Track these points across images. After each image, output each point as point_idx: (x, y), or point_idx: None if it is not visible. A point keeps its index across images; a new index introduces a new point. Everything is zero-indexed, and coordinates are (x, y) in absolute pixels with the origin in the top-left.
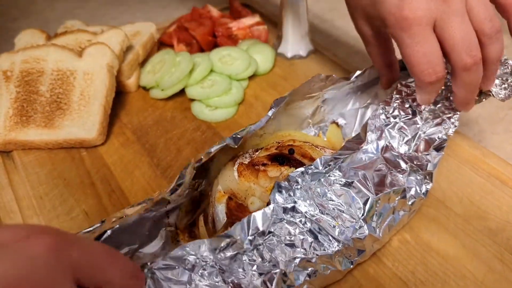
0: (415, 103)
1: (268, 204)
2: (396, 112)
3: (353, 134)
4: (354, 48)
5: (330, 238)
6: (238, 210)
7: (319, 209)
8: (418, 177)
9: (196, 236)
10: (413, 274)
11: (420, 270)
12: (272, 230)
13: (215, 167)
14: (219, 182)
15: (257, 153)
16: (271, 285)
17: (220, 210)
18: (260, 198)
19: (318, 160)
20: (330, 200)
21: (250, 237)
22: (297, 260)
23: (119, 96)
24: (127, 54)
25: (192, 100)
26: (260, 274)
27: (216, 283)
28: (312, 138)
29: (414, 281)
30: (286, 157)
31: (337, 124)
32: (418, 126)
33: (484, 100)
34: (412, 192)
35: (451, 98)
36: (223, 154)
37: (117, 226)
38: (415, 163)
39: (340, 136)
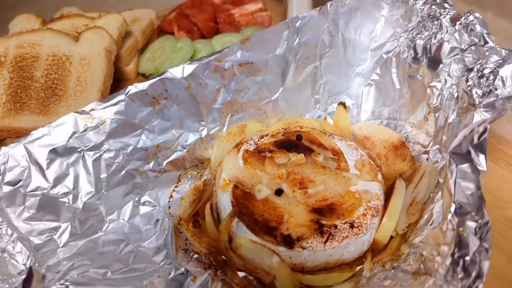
0: None
1: (276, 192)
2: None
3: (361, 115)
4: None
5: None
6: (244, 199)
7: None
8: None
9: (201, 226)
10: None
11: None
12: None
13: (221, 154)
14: (223, 170)
15: (262, 139)
16: None
17: (225, 199)
18: (268, 186)
19: None
20: None
21: None
22: None
23: (118, 83)
24: (126, 40)
25: None
26: None
27: None
28: (320, 122)
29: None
30: (294, 143)
31: (344, 105)
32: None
33: None
34: None
35: None
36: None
37: None
38: None
39: (347, 119)
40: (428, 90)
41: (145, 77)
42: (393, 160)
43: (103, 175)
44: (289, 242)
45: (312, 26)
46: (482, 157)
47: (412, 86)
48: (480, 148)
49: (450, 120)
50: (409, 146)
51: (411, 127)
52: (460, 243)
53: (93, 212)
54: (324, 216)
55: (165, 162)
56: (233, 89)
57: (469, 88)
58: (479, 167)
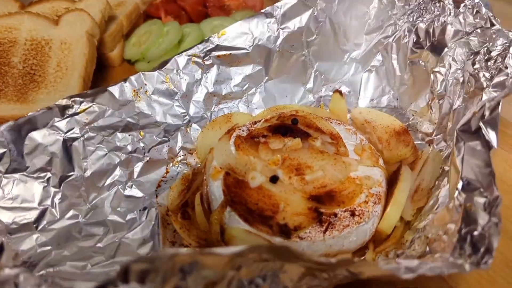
0: None
1: (271, 179)
2: None
3: (359, 102)
4: None
5: None
6: (237, 187)
7: None
8: None
9: (190, 217)
10: None
11: None
12: None
13: (206, 142)
14: (214, 157)
15: (256, 125)
16: None
17: (216, 188)
18: (262, 173)
19: None
20: None
21: None
22: None
23: (102, 70)
24: (110, 25)
25: None
26: None
27: None
28: (314, 109)
29: None
30: (289, 127)
31: (340, 92)
32: None
33: None
34: None
35: None
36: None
37: None
38: None
39: (344, 106)
40: (432, 76)
41: (130, 63)
42: (395, 145)
43: (85, 159)
44: (285, 232)
45: (293, 13)
46: (493, 133)
47: (414, 72)
48: (492, 123)
49: (455, 106)
50: (411, 134)
51: (413, 115)
52: (468, 219)
53: (74, 196)
54: (323, 204)
55: (150, 150)
56: (213, 81)
57: (476, 71)
58: (490, 143)
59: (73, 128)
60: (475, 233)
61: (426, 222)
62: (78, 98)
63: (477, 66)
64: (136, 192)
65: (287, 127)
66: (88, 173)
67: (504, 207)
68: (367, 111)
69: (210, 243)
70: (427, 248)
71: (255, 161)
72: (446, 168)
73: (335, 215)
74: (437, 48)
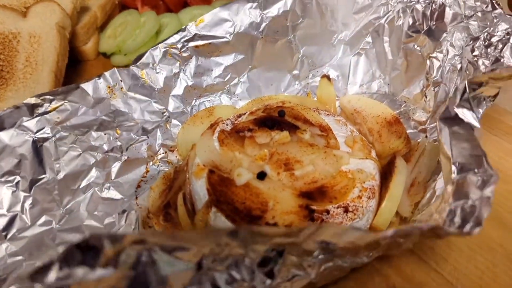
0: None
1: (258, 176)
2: None
3: (348, 88)
4: None
5: None
6: (222, 185)
7: None
8: None
9: (173, 219)
10: (433, 250)
11: (441, 245)
12: None
13: (188, 138)
14: (196, 154)
15: (240, 118)
16: None
17: (200, 187)
18: (249, 169)
19: None
20: None
21: None
22: None
23: (76, 65)
24: (83, 16)
25: None
26: None
27: None
28: (301, 98)
29: (434, 258)
30: (276, 120)
31: (328, 77)
32: None
33: None
34: None
35: None
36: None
37: None
38: None
39: (332, 92)
40: (428, 62)
41: (106, 56)
42: (387, 137)
43: (58, 161)
44: None
45: None
46: (469, 113)
47: (408, 57)
48: (466, 105)
49: (451, 94)
50: (403, 123)
51: (405, 101)
52: (459, 195)
53: (46, 201)
54: (314, 201)
55: (128, 148)
56: (192, 73)
57: (475, 58)
58: (471, 125)
59: (43, 128)
60: (466, 206)
61: (421, 215)
62: (48, 96)
63: (476, 53)
64: (114, 194)
65: (274, 119)
66: (61, 175)
67: (501, 196)
68: (357, 98)
69: None
70: None
71: (241, 157)
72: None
73: (327, 212)
74: (435, 32)
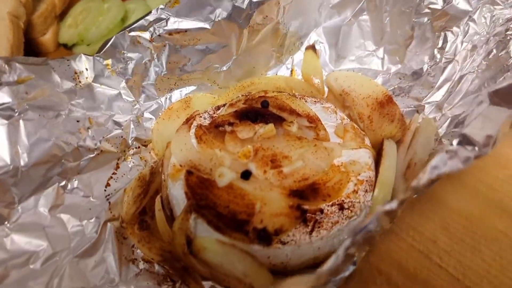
0: None
1: (242, 175)
2: None
3: (336, 61)
4: None
5: None
6: (202, 187)
7: None
8: None
9: (150, 227)
10: (435, 243)
11: (442, 238)
12: None
13: (163, 134)
14: (172, 153)
15: (219, 111)
16: None
17: (177, 190)
18: (231, 168)
19: None
20: None
21: None
22: None
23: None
24: (39, 4)
25: None
26: None
27: None
28: (285, 79)
29: (437, 252)
30: (259, 111)
31: (313, 48)
32: None
33: None
34: None
35: None
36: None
37: None
38: None
39: (318, 66)
40: (441, 37)
41: (67, 48)
42: (379, 122)
43: (22, 144)
44: (265, 237)
45: None
46: None
47: (416, 31)
48: None
49: (464, 72)
50: (396, 101)
51: (400, 78)
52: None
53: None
54: (306, 200)
55: (101, 140)
56: (165, 62)
57: (508, 38)
58: None
59: (7, 103)
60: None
61: None
62: (15, 63)
63: (510, 32)
64: (81, 193)
65: (257, 111)
66: (25, 161)
67: (505, 183)
68: (344, 75)
69: (176, 256)
70: None
71: (222, 155)
72: (446, 141)
73: (321, 211)
74: (455, 7)
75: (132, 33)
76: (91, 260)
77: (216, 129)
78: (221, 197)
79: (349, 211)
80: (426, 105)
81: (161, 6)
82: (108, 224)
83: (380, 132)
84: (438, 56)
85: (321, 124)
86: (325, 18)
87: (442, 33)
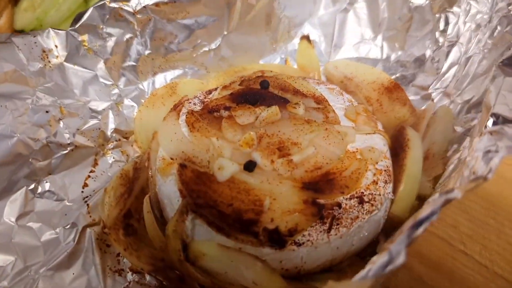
0: None
1: (246, 167)
2: None
3: (332, 51)
4: None
5: None
6: (199, 183)
7: None
8: None
9: (137, 232)
10: (456, 228)
11: (463, 222)
12: None
13: (147, 124)
14: (160, 144)
15: (211, 95)
16: None
17: (169, 187)
18: (232, 159)
19: None
20: None
21: None
22: None
23: None
24: None
25: None
26: None
27: None
28: (279, 67)
29: (459, 238)
30: (259, 93)
31: (308, 39)
32: None
33: None
34: None
35: None
36: None
37: None
38: None
39: (314, 56)
40: (441, 19)
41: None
42: (390, 105)
43: None
44: (277, 239)
45: None
46: None
47: (414, 14)
48: None
49: (470, 54)
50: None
51: (402, 66)
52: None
53: None
54: (322, 193)
55: (75, 133)
56: (150, 39)
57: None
58: None
59: None
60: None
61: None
62: None
63: None
64: (54, 197)
65: (256, 92)
66: None
67: None
68: (345, 64)
69: (170, 264)
70: None
71: (220, 144)
72: (459, 129)
73: (339, 205)
74: None
75: (113, 4)
76: (69, 272)
77: (210, 114)
78: (222, 193)
79: (370, 205)
80: (433, 93)
81: None
82: (88, 230)
83: (394, 114)
84: (441, 39)
85: (330, 105)
86: (321, 6)
87: (443, 15)
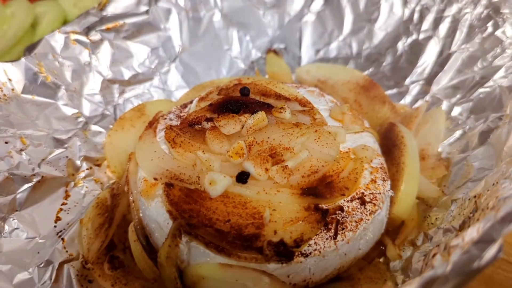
0: None
1: (238, 179)
2: None
3: (301, 57)
4: None
5: None
6: (190, 201)
7: None
8: None
9: (123, 264)
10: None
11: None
12: None
13: (119, 148)
14: (139, 165)
15: (187, 109)
16: None
17: (156, 210)
18: (223, 172)
19: None
20: None
21: None
22: None
23: None
24: None
25: None
26: None
27: None
28: (251, 77)
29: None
30: (241, 101)
31: (274, 51)
32: None
33: None
34: None
35: None
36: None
37: None
38: None
39: (284, 66)
40: (416, 10)
41: None
42: (369, 105)
43: None
44: (284, 252)
45: None
46: None
47: (381, 2)
48: None
49: (454, 48)
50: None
51: (374, 61)
52: None
53: None
54: (322, 197)
55: (40, 163)
56: (108, 62)
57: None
58: None
59: None
60: None
61: (467, 190)
62: None
63: None
64: (24, 235)
65: (238, 100)
66: None
67: None
68: (316, 67)
69: None
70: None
71: (208, 157)
72: (458, 132)
73: (341, 209)
74: None
75: (65, 32)
76: None
77: (191, 128)
78: (217, 210)
79: (372, 205)
80: (410, 86)
81: (91, 8)
82: (65, 266)
83: (375, 114)
84: (414, 33)
85: (315, 107)
86: (280, 18)
87: (415, 7)
